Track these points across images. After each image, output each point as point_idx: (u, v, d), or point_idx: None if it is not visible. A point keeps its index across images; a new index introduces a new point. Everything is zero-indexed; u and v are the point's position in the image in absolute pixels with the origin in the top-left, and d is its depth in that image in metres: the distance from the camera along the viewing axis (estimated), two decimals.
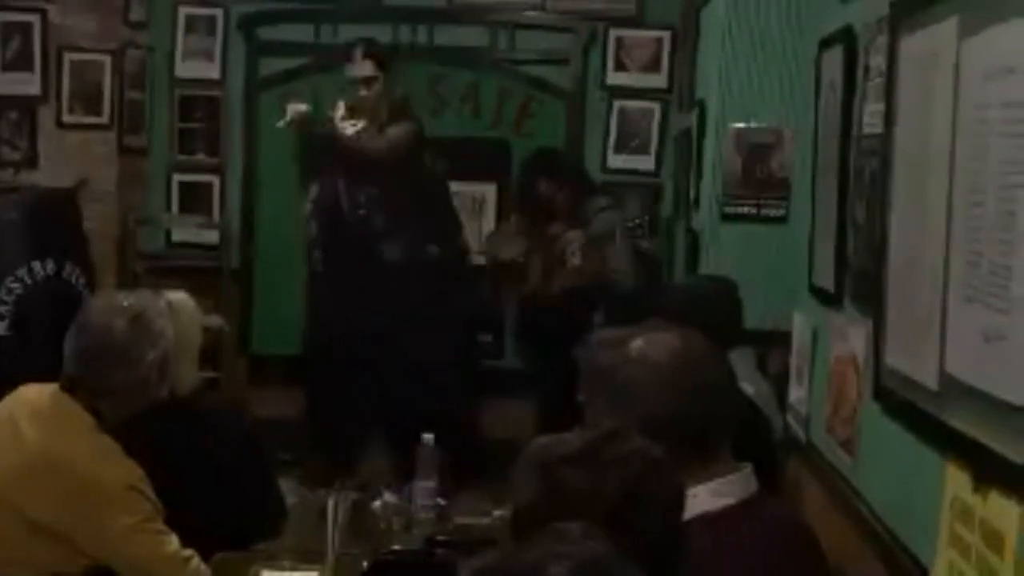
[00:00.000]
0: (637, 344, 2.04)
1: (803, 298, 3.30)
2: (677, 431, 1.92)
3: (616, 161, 5.99)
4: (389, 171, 5.18)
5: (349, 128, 5.12)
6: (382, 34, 6.06)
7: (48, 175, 5.84)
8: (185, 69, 6.26)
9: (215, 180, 6.31)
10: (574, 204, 5.43)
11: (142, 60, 6.17)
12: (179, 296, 3.03)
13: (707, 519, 1.90)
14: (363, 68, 5.16)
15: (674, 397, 1.97)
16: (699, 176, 4.57)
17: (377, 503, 3.33)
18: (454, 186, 5.63)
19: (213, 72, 6.25)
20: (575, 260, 5.20)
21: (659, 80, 6.07)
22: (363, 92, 5.15)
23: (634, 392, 1.98)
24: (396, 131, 5.16)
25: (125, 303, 2.70)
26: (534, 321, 5.51)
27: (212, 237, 6.27)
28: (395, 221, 5.19)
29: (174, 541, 2.60)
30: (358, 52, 5.18)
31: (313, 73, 6.15)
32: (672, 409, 1.95)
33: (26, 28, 5.88)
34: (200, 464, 2.80)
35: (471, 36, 6.14)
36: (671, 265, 5.42)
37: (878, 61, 2.55)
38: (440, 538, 3.12)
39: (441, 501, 3.39)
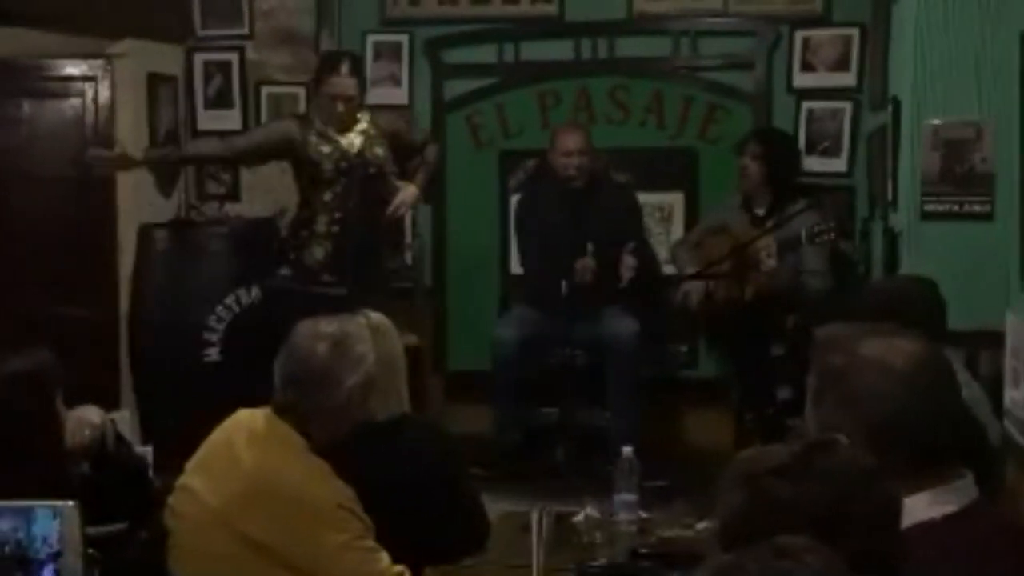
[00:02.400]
0: (873, 346, 1.96)
1: (1015, 297, 3.18)
2: (907, 438, 1.87)
3: (807, 164, 5.86)
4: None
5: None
6: (564, 50, 6.13)
7: (250, 206, 6.08)
8: (374, 96, 6.41)
9: None
10: (778, 184, 5.38)
11: None
12: (380, 319, 3.09)
13: (927, 527, 1.86)
14: (347, 86, 5.03)
15: (908, 405, 1.91)
16: (896, 175, 4.46)
17: (580, 517, 3.35)
18: (640, 197, 5.68)
19: (401, 98, 6.40)
20: (769, 263, 5.12)
21: (848, 79, 5.94)
22: (340, 108, 5.02)
23: (867, 397, 1.93)
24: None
25: (327, 329, 2.75)
26: (727, 328, 5.45)
27: (405, 258, 6.40)
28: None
29: (384, 558, 2.67)
30: (344, 67, 5.03)
31: (497, 93, 6.24)
32: (904, 417, 1.90)
33: (225, 66, 6.15)
34: (404, 483, 2.85)
35: (653, 46, 6.13)
36: (868, 268, 5.29)
37: None
38: (643, 551, 3.12)
39: (643, 514, 3.39)
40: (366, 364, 2.74)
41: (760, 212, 5.42)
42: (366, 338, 2.78)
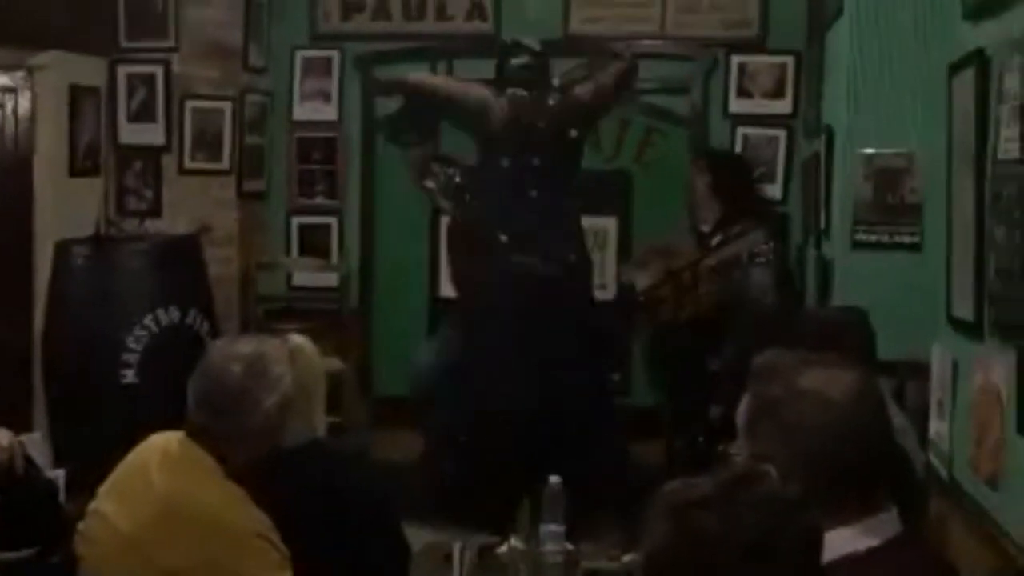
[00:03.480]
0: (811, 377, 1.98)
1: (941, 329, 3.24)
2: (840, 471, 1.90)
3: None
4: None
5: None
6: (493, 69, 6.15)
7: (171, 222, 6.03)
8: (303, 112, 6.42)
9: (333, 222, 6.44)
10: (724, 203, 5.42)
11: (261, 105, 6.35)
12: (301, 341, 3.06)
13: (852, 560, 1.88)
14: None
15: (844, 437, 1.93)
16: (828, 203, 4.52)
17: (504, 548, 3.34)
18: None
19: (330, 114, 6.40)
20: (709, 284, 5.16)
21: (784, 106, 6.04)
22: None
23: (804, 428, 1.95)
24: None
25: (243, 349, 2.73)
26: (662, 349, 5.49)
27: (331, 279, 6.39)
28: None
29: None
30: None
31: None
32: (839, 449, 1.93)
33: (150, 79, 6.10)
34: (324, 510, 2.83)
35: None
36: (802, 294, 5.36)
37: (1012, 84, 2.51)
38: None
39: (569, 546, 3.38)
40: (283, 385, 2.71)
41: (705, 229, 5.46)
42: (283, 359, 2.75)
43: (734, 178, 5.54)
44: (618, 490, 4.89)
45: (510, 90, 5.29)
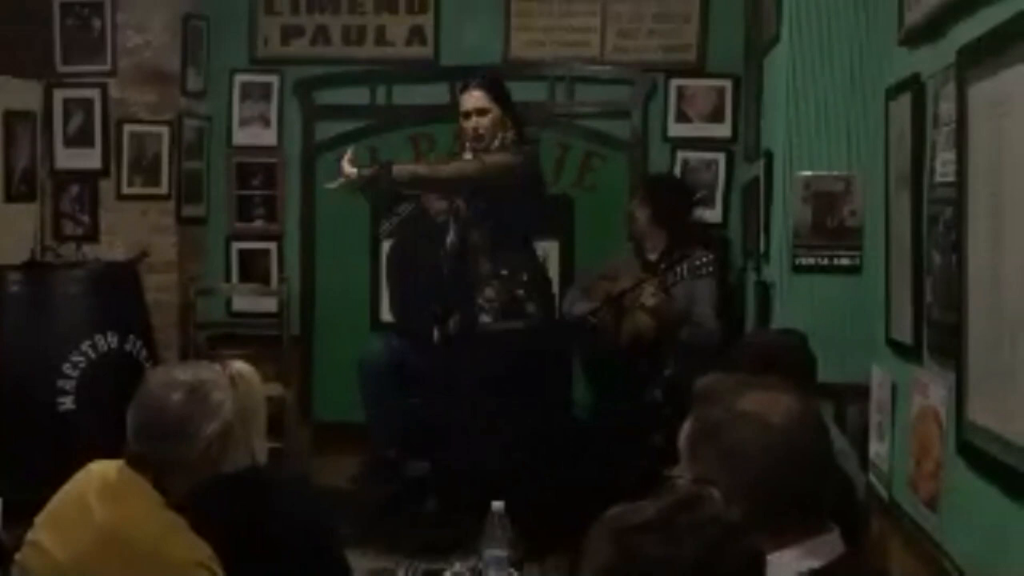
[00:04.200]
0: (751, 400, 1.99)
1: (880, 351, 3.28)
2: (781, 493, 1.91)
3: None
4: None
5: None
6: (438, 94, 6.16)
7: (109, 248, 5.98)
8: (242, 136, 6.39)
9: (273, 247, 6.41)
10: (669, 228, 5.44)
11: (200, 129, 6.32)
12: (242, 366, 3.04)
13: None
14: (475, 100, 5.18)
15: (785, 460, 1.94)
16: (768, 227, 4.57)
17: (447, 574, 3.33)
18: None
19: (270, 138, 6.37)
20: (650, 301, 5.17)
21: (723, 130, 6.09)
22: (472, 123, 5.16)
23: (745, 451, 1.96)
24: (499, 157, 5.15)
25: (182, 376, 2.71)
26: (601, 374, 5.50)
27: (272, 304, 6.35)
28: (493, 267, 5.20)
29: None
30: (471, 84, 5.22)
31: (369, 135, 6.25)
32: (781, 472, 1.94)
33: (87, 103, 6.05)
34: (266, 538, 2.81)
35: (528, 91, 6.19)
36: (743, 318, 5.40)
37: (948, 108, 2.56)
38: None
39: (513, 572, 3.38)
40: (224, 412, 2.69)
41: (652, 258, 5.49)
42: (223, 385, 2.73)
43: (676, 205, 5.58)
44: (561, 513, 4.89)
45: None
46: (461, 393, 5.14)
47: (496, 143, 5.19)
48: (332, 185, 5.21)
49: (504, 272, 5.18)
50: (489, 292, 5.17)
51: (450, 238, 5.23)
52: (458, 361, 5.11)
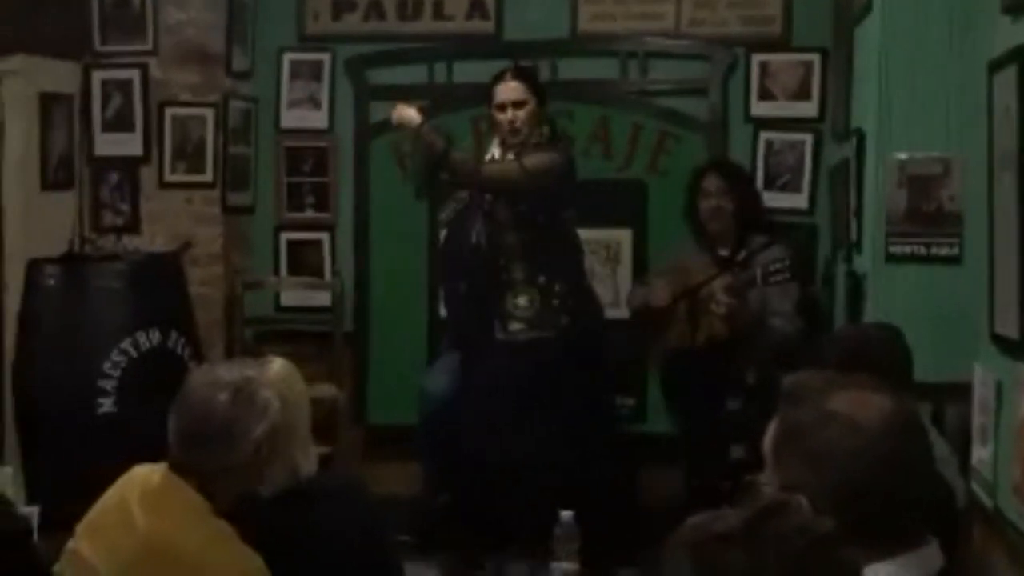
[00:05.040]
0: (841, 400, 1.97)
1: (983, 347, 3.25)
2: (873, 501, 1.90)
3: (765, 200, 5.92)
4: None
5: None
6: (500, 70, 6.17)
7: (150, 239, 6.05)
8: (291, 119, 6.44)
9: (325, 237, 6.45)
10: (745, 222, 5.41)
11: (246, 112, 6.37)
12: (282, 364, 3.02)
13: None
14: (512, 92, 5.18)
15: (876, 467, 1.93)
16: (859, 213, 4.53)
17: None
18: (585, 234, 5.61)
19: (320, 121, 6.41)
20: (720, 308, 5.15)
21: (810, 108, 6.04)
22: (509, 116, 5.15)
23: (833, 457, 1.94)
24: (538, 158, 5.12)
25: (227, 376, 2.72)
26: (679, 377, 5.47)
27: (323, 299, 6.39)
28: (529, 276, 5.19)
29: None
30: (508, 74, 5.23)
31: (429, 116, 6.27)
32: (872, 478, 1.92)
33: (126, 85, 6.12)
34: (318, 549, 2.84)
35: (598, 68, 6.20)
36: (831, 312, 5.36)
37: None
38: None
39: None
40: (272, 411, 2.70)
41: (724, 253, 5.45)
42: (269, 383, 2.74)
43: (749, 193, 5.55)
44: (626, 525, 4.88)
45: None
46: (504, 416, 5.11)
47: (533, 138, 5.18)
48: (393, 120, 5.23)
49: (541, 280, 5.17)
50: (522, 300, 5.16)
51: (475, 240, 5.22)
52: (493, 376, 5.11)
